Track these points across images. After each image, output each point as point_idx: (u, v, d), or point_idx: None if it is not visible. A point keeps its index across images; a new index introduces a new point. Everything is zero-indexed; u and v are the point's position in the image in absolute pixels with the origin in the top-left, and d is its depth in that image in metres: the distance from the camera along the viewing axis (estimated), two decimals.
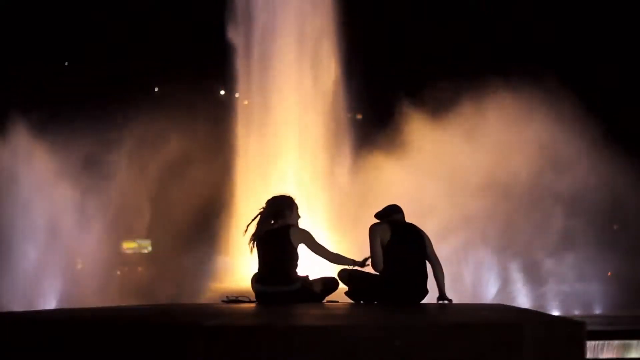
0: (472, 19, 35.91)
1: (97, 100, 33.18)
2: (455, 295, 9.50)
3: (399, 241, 9.01)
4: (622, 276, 23.70)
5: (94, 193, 23.97)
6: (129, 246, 34.24)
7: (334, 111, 23.65)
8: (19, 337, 6.09)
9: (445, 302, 8.95)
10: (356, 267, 9.10)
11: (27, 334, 6.09)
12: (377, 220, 9.30)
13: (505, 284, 23.78)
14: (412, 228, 9.19)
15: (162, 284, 23.67)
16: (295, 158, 22.79)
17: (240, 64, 23.71)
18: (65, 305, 20.57)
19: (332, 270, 9.36)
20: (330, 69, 23.56)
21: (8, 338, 6.10)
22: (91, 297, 21.26)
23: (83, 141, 23.94)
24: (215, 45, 25.46)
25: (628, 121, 27.89)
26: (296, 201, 9.24)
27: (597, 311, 22.88)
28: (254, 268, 9.17)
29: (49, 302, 22.12)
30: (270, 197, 9.32)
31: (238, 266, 21.11)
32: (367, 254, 9.17)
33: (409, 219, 9.41)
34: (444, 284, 9.14)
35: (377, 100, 26.47)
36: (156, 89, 40.68)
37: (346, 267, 9.15)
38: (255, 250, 9.10)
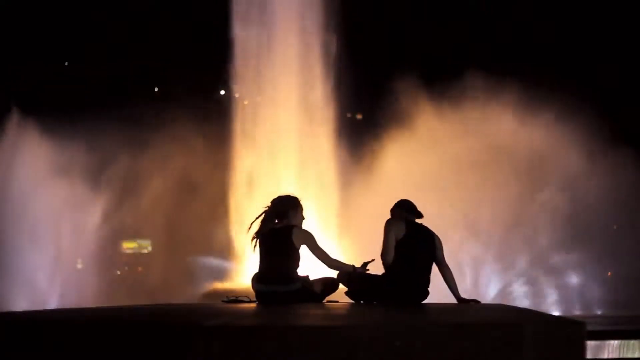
0: (472, 19, 35.91)
1: (97, 100, 33.20)
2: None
3: (412, 241, 8.99)
4: (622, 276, 23.71)
5: (94, 193, 23.98)
6: (129, 246, 34.26)
7: (334, 111, 23.65)
8: (19, 337, 6.09)
9: (471, 302, 8.92)
10: (362, 271, 9.11)
11: (27, 334, 6.09)
12: (390, 215, 9.26)
13: (505, 283, 23.79)
14: (426, 231, 9.17)
15: (162, 284, 23.68)
16: (296, 158, 22.78)
17: (240, 64, 23.71)
18: (65, 305, 20.56)
19: (332, 270, 9.36)
20: (330, 69, 23.56)
21: (8, 338, 6.10)
22: (91, 297, 21.28)
23: (83, 141, 23.96)
24: (215, 45, 25.46)
25: (628, 121, 27.89)
26: (301, 202, 9.24)
27: (597, 311, 22.89)
28: (254, 269, 9.17)
29: (49, 302, 22.12)
30: (275, 196, 9.33)
31: (238, 267, 21.13)
32: (368, 258, 9.15)
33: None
34: (456, 287, 9.14)
35: (377, 100, 26.46)
36: (156, 89, 40.69)
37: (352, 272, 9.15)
38: (257, 249, 9.10)
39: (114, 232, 25.45)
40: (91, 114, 24.66)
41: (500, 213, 23.28)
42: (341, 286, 9.30)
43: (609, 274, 24.70)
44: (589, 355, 6.30)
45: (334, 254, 9.62)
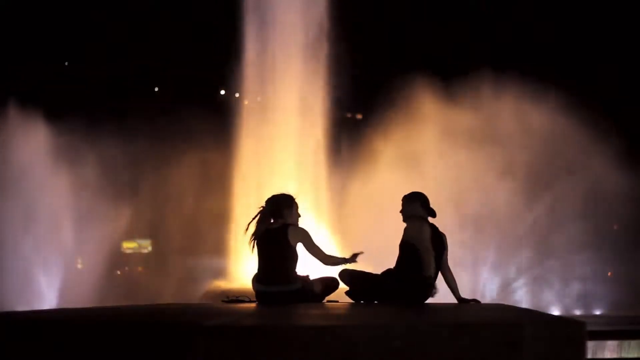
0: (472, 19, 35.91)
1: (97, 100, 33.20)
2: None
3: (435, 247, 8.93)
4: (622, 276, 23.72)
5: (94, 193, 23.98)
6: (129, 246, 34.25)
7: (334, 111, 23.65)
8: (19, 337, 6.08)
9: (471, 302, 8.90)
10: (356, 266, 9.09)
11: (27, 334, 6.08)
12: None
13: (505, 284, 23.80)
14: (438, 231, 9.13)
15: (162, 284, 23.69)
16: (296, 158, 22.77)
17: (240, 64, 23.71)
18: (65, 305, 20.57)
19: (332, 270, 9.36)
20: (330, 69, 23.55)
21: (8, 338, 6.10)
22: (91, 297, 21.29)
23: (83, 141, 23.96)
24: (215, 45, 25.46)
25: (628, 121, 27.88)
26: (297, 201, 9.22)
27: (597, 311, 22.90)
28: (253, 270, 9.16)
29: (49, 302, 22.13)
30: (270, 195, 9.32)
31: (238, 267, 21.12)
32: (366, 252, 9.12)
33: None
34: (457, 287, 9.13)
35: (377, 100, 26.46)
36: (156, 89, 40.69)
37: (346, 267, 9.14)
38: (255, 249, 9.10)
39: (114, 232, 25.46)
40: (91, 114, 24.68)
41: (500, 213, 23.29)
42: (341, 286, 9.30)
43: (609, 274, 24.71)
44: (589, 355, 6.30)
45: (331, 251, 9.61)
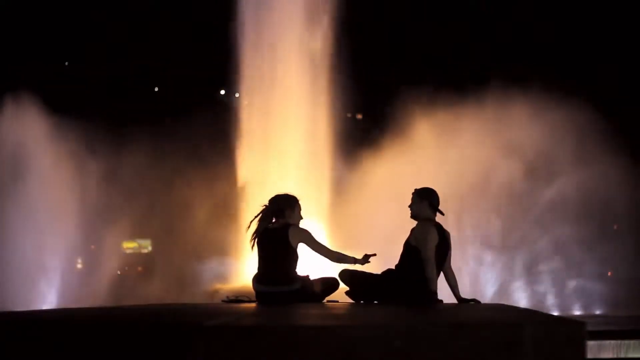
0: (472, 19, 35.92)
1: (97, 100, 33.20)
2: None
3: (440, 251, 8.90)
4: (622, 276, 23.72)
5: (95, 193, 23.98)
6: (129, 246, 34.26)
7: (334, 111, 23.64)
8: (19, 337, 6.09)
9: (471, 302, 8.89)
10: (357, 267, 9.09)
11: (27, 334, 6.09)
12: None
13: (505, 284, 23.79)
14: (447, 237, 9.08)
15: (162, 283, 23.68)
16: (297, 158, 22.76)
17: (240, 64, 23.70)
18: (65, 305, 20.57)
19: (332, 270, 9.36)
20: (330, 69, 23.55)
21: (8, 338, 6.10)
22: (91, 297, 21.29)
23: (83, 141, 23.95)
24: (215, 45, 25.46)
25: (628, 121, 27.89)
26: (300, 202, 9.22)
27: (597, 311, 22.90)
28: (254, 269, 9.16)
29: (49, 302, 22.12)
30: (273, 195, 9.33)
31: (240, 267, 21.12)
32: (366, 251, 9.12)
33: (408, 218, 9.34)
34: (457, 287, 9.12)
35: (377, 100, 26.46)
36: (156, 89, 40.70)
37: (348, 266, 9.14)
38: (255, 248, 9.10)
39: (114, 232, 25.45)
40: (91, 114, 24.66)
41: (500, 213, 23.29)
42: (341, 286, 9.30)
43: (609, 273, 24.70)
44: (589, 355, 6.29)
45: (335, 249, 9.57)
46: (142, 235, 33.15)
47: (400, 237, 9.17)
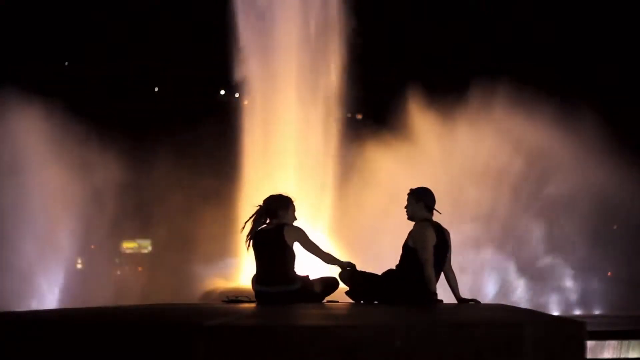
0: (472, 19, 35.92)
1: (97, 100, 33.20)
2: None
3: (439, 251, 8.89)
4: (622, 276, 23.73)
5: (95, 193, 23.98)
6: (129, 246, 34.28)
7: (334, 111, 23.65)
8: (19, 337, 6.09)
9: (471, 302, 8.88)
10: (355, 268, 9.10)
11: (27, 334, 6.09)
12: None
13: (505, 284, 23.80)
14: (447, 237, 9.06)
15: (162, 284, 23.69)
16: (297, 158, 22.77)
17: (240, 64, 23.70)
18: (65, 305, 20.57)
19: (332, 270, 9.36)
20: (330, 69, 23.55)
21: (8, 338, 6.10)
22: (91, 297, 21.28)
23: (84, 141, 23.95)
24: (215, 45, 25.46)
25: (628, 121, 27.90)
26: (294, 202, 9.20)
27: (597, 311, 22.91)
28: (254, 270, 9.16)
29: (49, 302, 22.12)
30: (267, 195, 9.32)
31: (240, 267, 21.13)
32: (366, 255, 9.13)
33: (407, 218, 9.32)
34: (457, 287, 9.11)
35: (377, 100, 26.46)
36: (156, 89, 40.71)
37: (347, 267, 9.14)
38: (252, 249, 9.10)
39: (114, 232, 25.46)
40: (92, 114, 24.66)
41: (500, 213, 23.29)
42: (341, 286, 9.29)
43: (609, 273, 24.72)
44: (589, 355, 6.30)
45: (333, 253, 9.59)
46: (142, 235, 33.17)
47: (402, 239, 9.15)
